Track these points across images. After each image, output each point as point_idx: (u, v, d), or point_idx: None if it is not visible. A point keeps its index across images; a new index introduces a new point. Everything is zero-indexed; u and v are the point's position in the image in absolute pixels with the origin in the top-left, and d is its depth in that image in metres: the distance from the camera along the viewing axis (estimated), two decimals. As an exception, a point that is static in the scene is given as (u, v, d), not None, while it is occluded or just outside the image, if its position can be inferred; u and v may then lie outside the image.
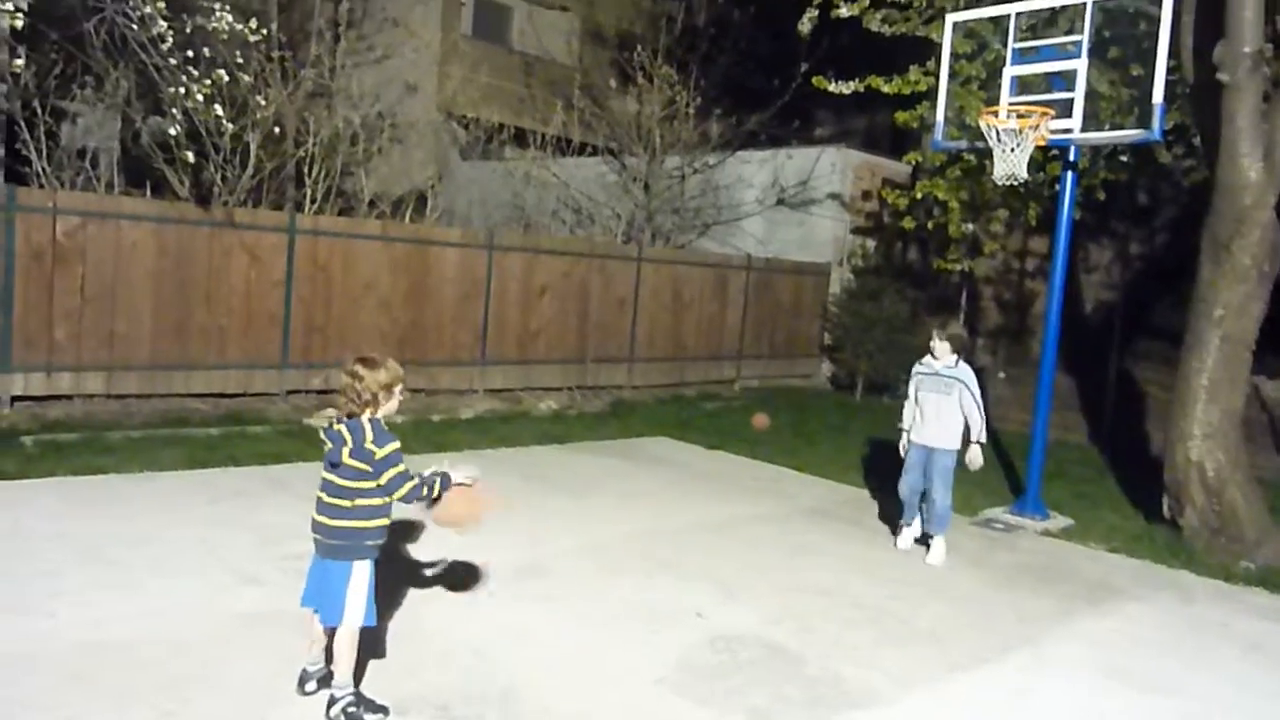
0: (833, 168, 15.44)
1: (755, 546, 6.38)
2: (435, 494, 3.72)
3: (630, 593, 5.28)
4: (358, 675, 3.69)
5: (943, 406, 6.21)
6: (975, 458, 6.24)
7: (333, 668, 3.66)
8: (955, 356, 6.24)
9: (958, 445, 6.21)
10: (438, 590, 5.05)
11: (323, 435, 3.66)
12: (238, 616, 4.50)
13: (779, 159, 15.82)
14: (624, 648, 4.52)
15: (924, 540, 6.45)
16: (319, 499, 3.63)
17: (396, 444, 3.61)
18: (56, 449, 7.30)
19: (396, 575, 5.25)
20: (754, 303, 14.54)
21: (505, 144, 15.77)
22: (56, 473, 6.66)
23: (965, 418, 6.19)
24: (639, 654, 4.45)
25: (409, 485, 3.62)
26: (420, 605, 4.81)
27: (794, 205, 15.82)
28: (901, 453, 6.47)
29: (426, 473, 3.72)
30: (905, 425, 6.46)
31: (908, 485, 6.40)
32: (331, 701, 3.58)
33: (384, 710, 3.63)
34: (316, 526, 3.63)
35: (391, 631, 4.43)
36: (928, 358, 6.35)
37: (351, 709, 3.55)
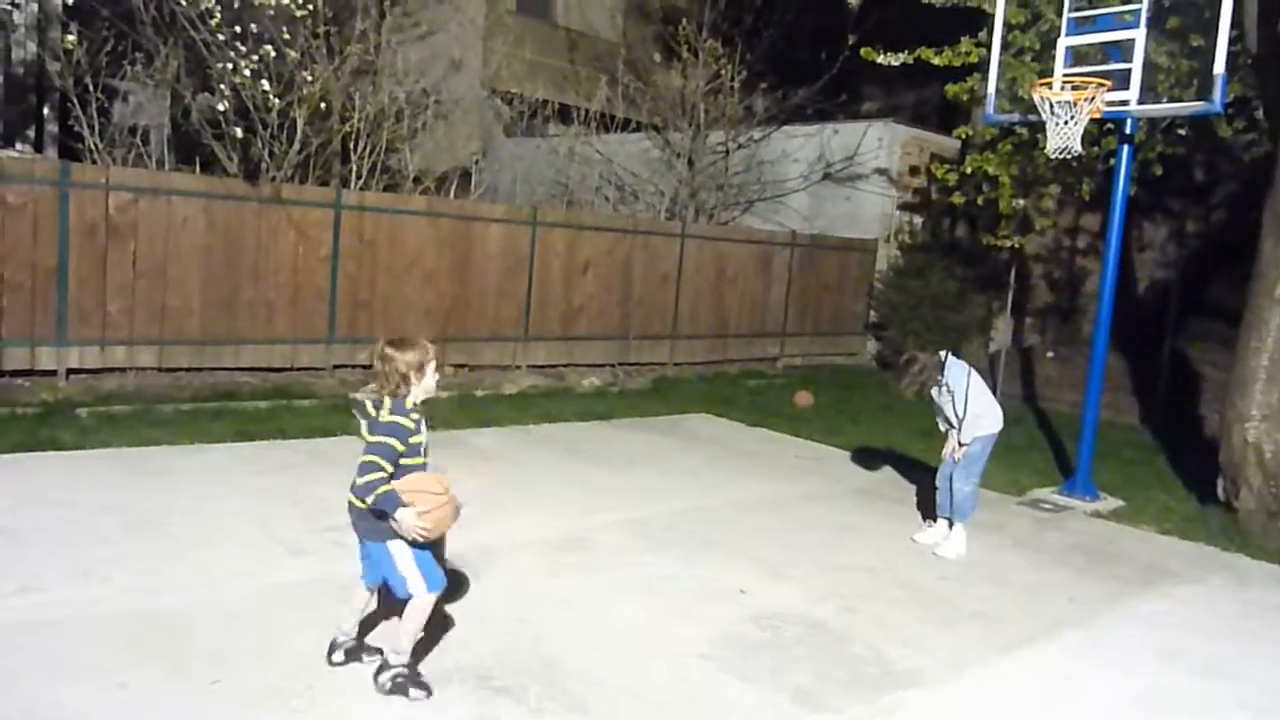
0: (880, 142, 15.21)
1: (799, 525, 6.34)
2: (376, 506, 3.46)
3: (673, 568, 5.27)
4: (416, 649, 3.70)
5: (944, 405, 6.02)
6: (952, 453, 6.00)
7: (367, 640, 3.74)
8: (945, 356, 5.97)
9: (980, 432, 5.90)
10: (479, 561, 5.08)
11: (355, 416, 3.63)
12: (284, 587, 4.56)
13: (825, 134, 15.61)
14: (667, 622, 4.51)
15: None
16: (353, 481, 3.54)
17: (400, 424, 3.51)
18: (110, 421, 7.45)
19: (437, 547, 5.29)
20: (798, 280, 14.41)
21: (549, 120, 15.74)
22: (111, 444, 6.80)
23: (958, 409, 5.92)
24: (682, 628, 4.44)
25: (369, 476, 3.42)
26: (462, 577, 4.84)
27: (840, 181, 15.63)
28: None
29: (382, 487, 3.45)
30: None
31: (940, 476, 6.16)
32: (383, 668, 3.60)
33: (429, 690, 3.59)
34: (348, 508, 3.62)
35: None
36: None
37: (400, 679, 3.57)
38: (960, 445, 5.95)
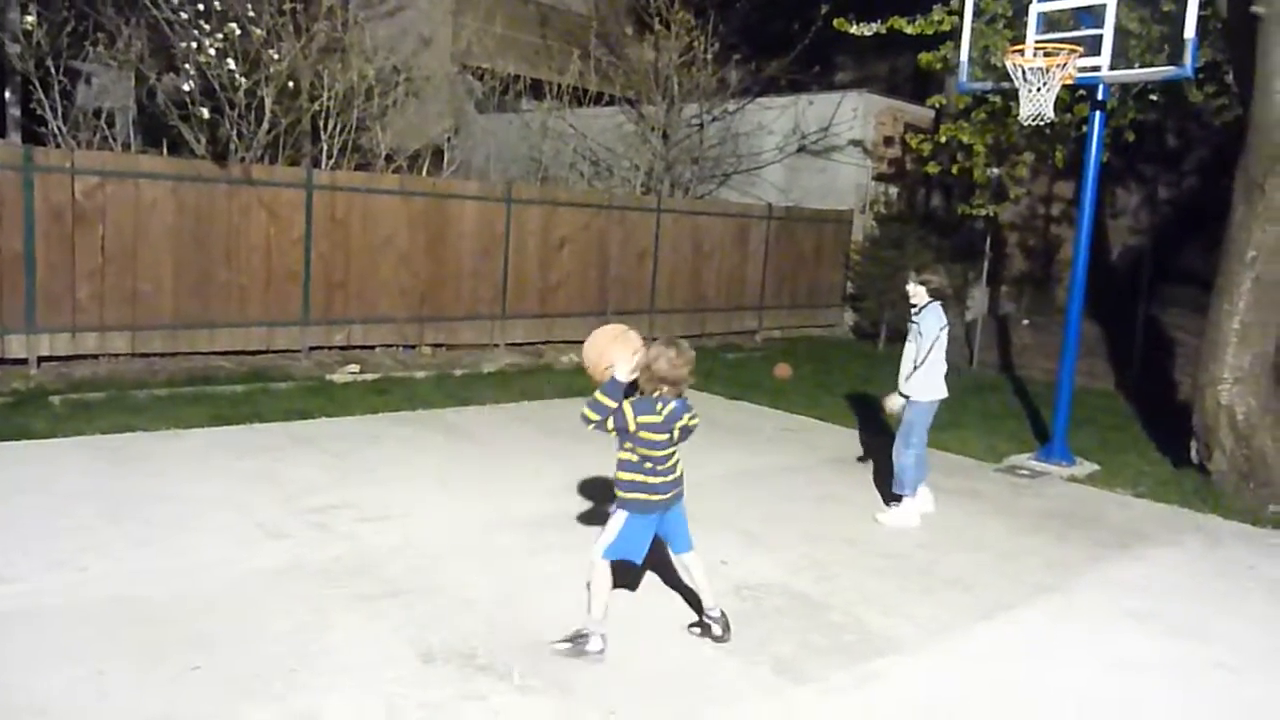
0: (854, 113, 15.18)
1: (779, 496, 6.37)
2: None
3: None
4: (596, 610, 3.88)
5: (906, 355, 5.91)
6: (890, 403, 5.97)
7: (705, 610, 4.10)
8: (926, 300, 5.87)
9: (927, 396, 5.83)
10: (462, 540, 5.07)
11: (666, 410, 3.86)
12: (264, 571, 4.53)
13: (800, 105, 15.56)
14: (649, 596, 4.53)
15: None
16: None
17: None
18: (84, 408, 7.37)
19: (418, 532, 5.29)
20: (775, 252, 14.41)
21: (521, 96, 15.58)
22: (85, 431, 6.72)
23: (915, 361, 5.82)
24: (665, 602, 4.46)
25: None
26: (442, 559, 4.83)
27: (815, 152, 15.60)
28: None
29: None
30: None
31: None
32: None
33: (595, 653, 3.82)
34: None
35: (416, 585, 4.46)
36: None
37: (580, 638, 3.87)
38: (903, 398, 5.82)
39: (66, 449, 6.35)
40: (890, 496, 6.08)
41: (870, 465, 7.29)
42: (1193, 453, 7.30)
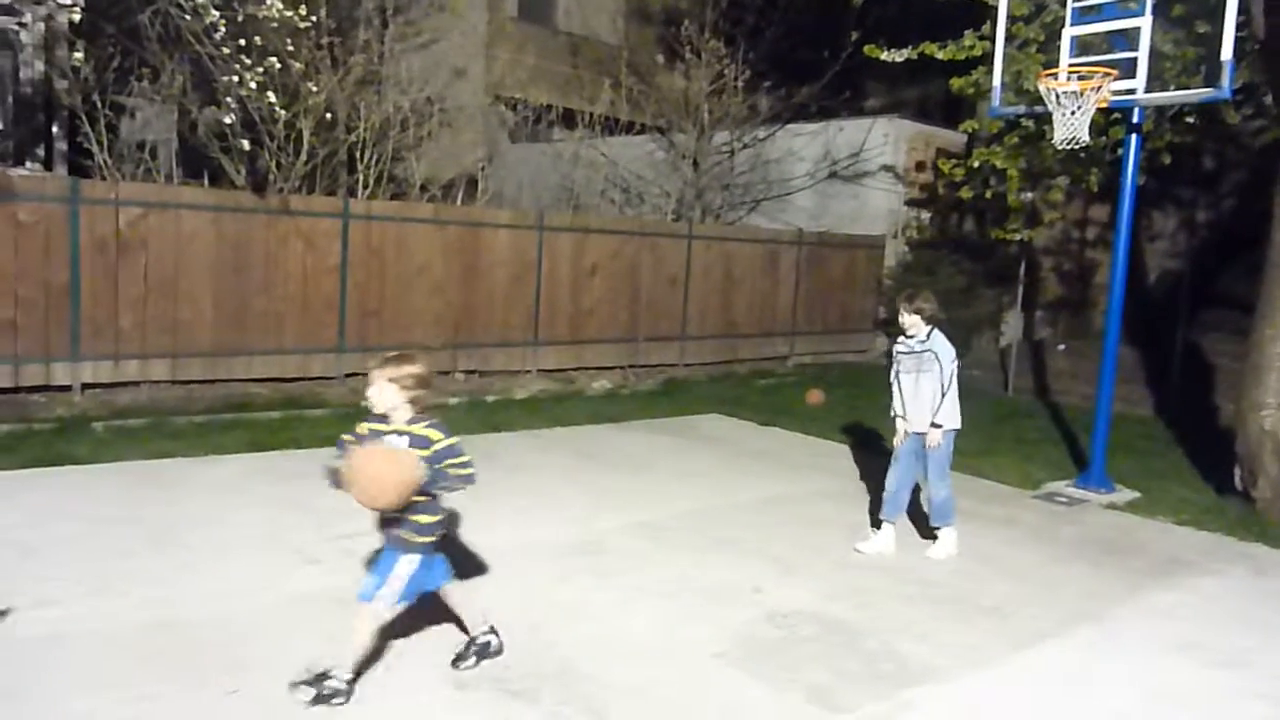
0: (885, 139, 15.18)
1: (811, 523, 6.33)
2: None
3: (686, 569, 5.27)
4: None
5: (921, 385, 5.65)
6: (932, 439, 5.60)
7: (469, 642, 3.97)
8: (927, 328, 5.69)
9: (954, 423, 5.64)
10: (493, 567, 5.09)
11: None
12: (299, 596, 4.58)
13: (830, 131, 15.59)
14: (680, 623, 4.51)
15: (930, 535, 5.92)
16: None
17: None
18: (126, 434, 7.50)
19: (451, 554, 5.31)
20: (806, 278, 14.39)
21: (553, 125, 15.76)
22: (126, 457, 6.84)
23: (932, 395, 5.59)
24: (696, 629, 4.44)
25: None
26: (475, 582, 4.85)
27: (846, 178, 15.60)
28: (897, 443, 5.84)
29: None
30: (895, 411, 5.84)
31: (894, 477, 5.78)
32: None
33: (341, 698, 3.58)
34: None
35: (448, 610, 4.48)
36: (903, 335, 5.83)
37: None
38: (936, 428, 5.59)
39: (108, 474, 6.46)
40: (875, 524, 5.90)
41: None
42: (1236, 479, 7.16)
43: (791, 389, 11.76)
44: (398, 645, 4.07)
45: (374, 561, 3.84)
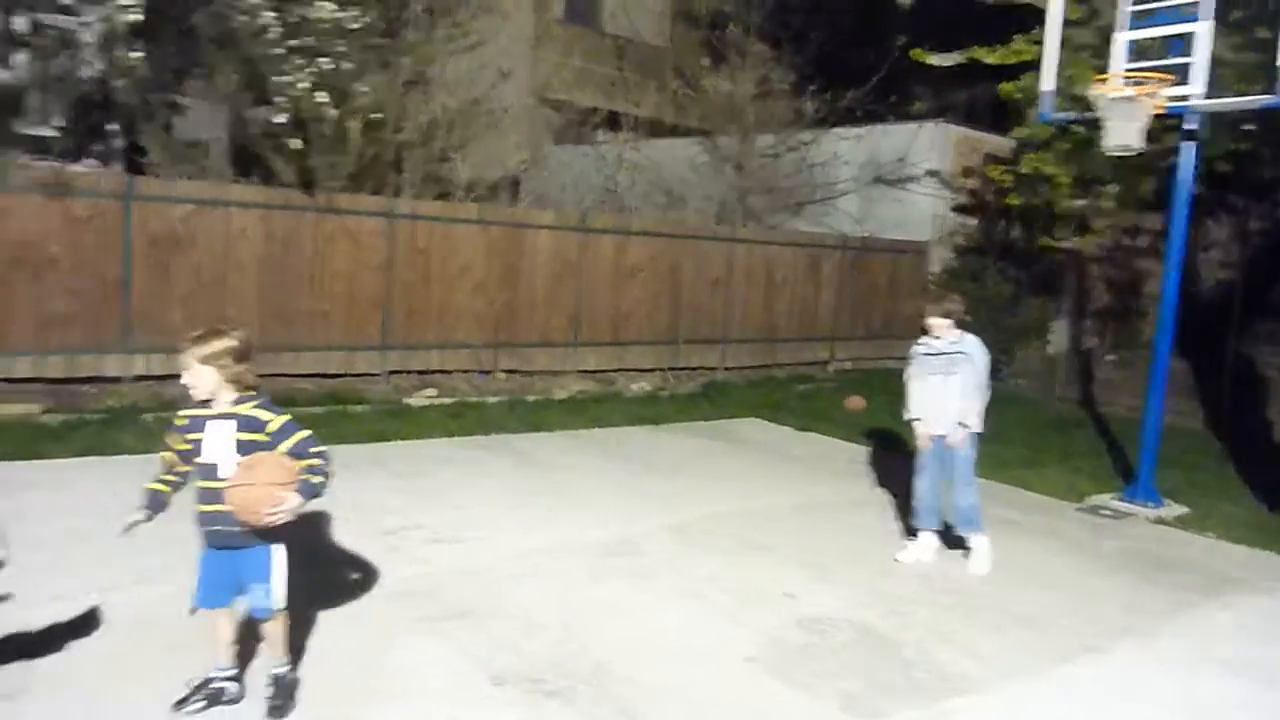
0: (932, 143, 15.02)
1: (847, 529, 6.29)
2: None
3: (720, 572, 5.26)
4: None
5: (949, 388, 5.52)
6: (955, 441, 5.49)
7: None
8: (958, 332, 5.61)
9: (978, 427, 5.53)
10: (528, 566, 5.11)
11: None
12: (337, 591, 4.63)
13: (875, 135, 15.45)
14: (714, 626, 4.50)
15: (958, 545, 5.76)
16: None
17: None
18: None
19: (487, 555, 5.35)
20: (849, 283, 14.28)
21: (598, 127, 15.81)
22: (173, 448, 6.96)
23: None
24: (729, 633, 4.43)
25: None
26: (510, 582, 4.87)
27: (891, 183, 15.46)
28: (920, 447, 5.72)
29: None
30: (913, 415, 5.73)
31: (925, 484, 5.66)
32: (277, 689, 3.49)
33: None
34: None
35: (484, 608, 4.51)
36: (925, 337, 5.75)
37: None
38: (963, 427, 5.46)
39: (154, 464, 6.57)
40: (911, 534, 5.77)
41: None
42: (1288, 496, 6.99)
43: (831, 395, 11.68)
44: (431, 640, 4.11)
45: (237, 571, 3.46)
